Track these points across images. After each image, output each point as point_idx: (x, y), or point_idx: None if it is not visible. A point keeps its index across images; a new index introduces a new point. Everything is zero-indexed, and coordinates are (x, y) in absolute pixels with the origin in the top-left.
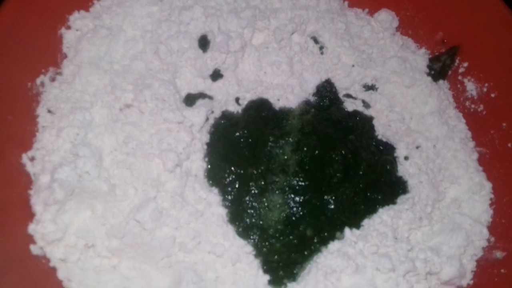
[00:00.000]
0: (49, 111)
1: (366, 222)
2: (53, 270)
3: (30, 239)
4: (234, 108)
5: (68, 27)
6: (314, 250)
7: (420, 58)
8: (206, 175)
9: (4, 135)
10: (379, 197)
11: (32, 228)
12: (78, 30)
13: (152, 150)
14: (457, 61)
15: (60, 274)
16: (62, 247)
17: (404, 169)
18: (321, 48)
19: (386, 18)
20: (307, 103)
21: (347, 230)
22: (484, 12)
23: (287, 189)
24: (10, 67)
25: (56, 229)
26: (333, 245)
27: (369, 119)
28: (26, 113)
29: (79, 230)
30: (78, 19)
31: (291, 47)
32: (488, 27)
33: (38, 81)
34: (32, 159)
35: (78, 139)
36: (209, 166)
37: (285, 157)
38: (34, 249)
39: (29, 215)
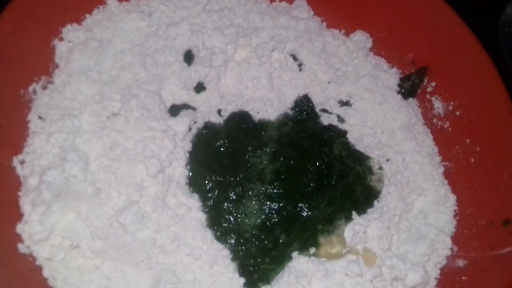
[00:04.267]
0: (40, 118)
1: (337, 229)
2: (39, 268)
3: (18, 238)
4: (216, 119)
5: (61, 39)
6: (287, 255)
7: (391, 77)
8: (187, 181)
9: None
10: (351, 205)
11: (20, 227)
12: (70, 42)
13: (137, 156)
14: (425, 80)
15: (46, 272)
16: (48, 247)
17: (375, 180)
18: (299, 65)
19: (361, 39)
20: (285, 116)
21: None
22: (450, 36)
23: (263, 196)
24: (5, 75)
25: (43, 229)
26: (305, 252)
27: (343, 133)
28: (18, 118)
29: (65, 230)
30: (70, 31)
31: (271, 63)
32: (454, 50)
33: (30, 88)
34: (22, 162)
35: (66, 144)
36: (190, 173)
37: (262, 166)
38: (21, 248)
39: (18, 215)
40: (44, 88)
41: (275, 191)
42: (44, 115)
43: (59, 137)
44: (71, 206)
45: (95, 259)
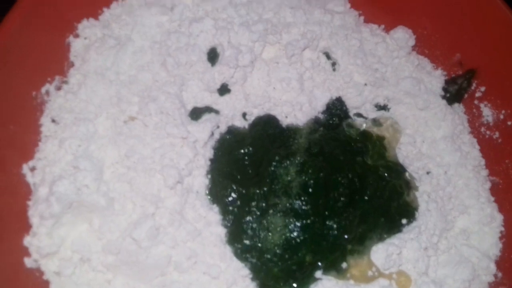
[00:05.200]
0: (53, 121)
1: (369, 250)
2: (46, 283)
3: (25, 251)
4: (241, 123)
5: (77, 35)
6: (312, 276)
7: (435, 79)
8: (207, 192)
9: (5, 144)
10: (385, 224)
11: (27, 240)
12: (86, 39)
13: (154, 165)
14: (474, 84)
15: None
16: (57, 260)
17: (413, 196)
18: (333, 65)
19: (403, 36)
20: (316, 121)
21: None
22: (504, 36)
23: (289, 212)
24: (15, 76)
25: (52, 243)
26: (332, 273)
27: (380, 140)
28: (29, 122)
29: (75, 243)
30: (86, 28)
31: (302, 63)
32: (508, 51)
33: (43, 90)
34: (33, 169)
35: (80, 151)
36: (211, 183)
37: (289, 178)
38: (28, 262)
39: (26, 226)
40: (58, 88)
41: (302, 206)
42: (57, 118)
43: (72, 143)
44: (82, 218)
45: (106, 273)
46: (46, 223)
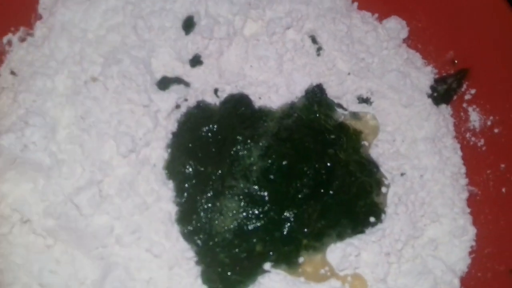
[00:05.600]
0: (12, 73)
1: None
2: None
3: None
4: (212, 100)
5: None
6: (260, 267)
7: (424, 76)
8: (165, 166)
9: None
10: (347, 222)
11: None
12: None
13: (109, 130)
14: (464, 85)
15: None
16: None
17: (382, 197)
18: (318, 49)
19: (395, 26)
20: (291, 106)
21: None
22: (502, 37)
23: (244, 196)
24: None
25: None
26: (283, 266)
27: (357, 134)
28: None
29: (16, 202)
30: None
31: (284, 43)
32: (504, 54)
33: (5, 39)
34: None
35: (34, 106)
36: (170, 157)
37: (250, 161)
38: None
39: None
40: (22, 40)
41: (259, 192)
42: (16, 70)
43: (27, 97)
44: (27, 176)
45: (46, 237)
46: None
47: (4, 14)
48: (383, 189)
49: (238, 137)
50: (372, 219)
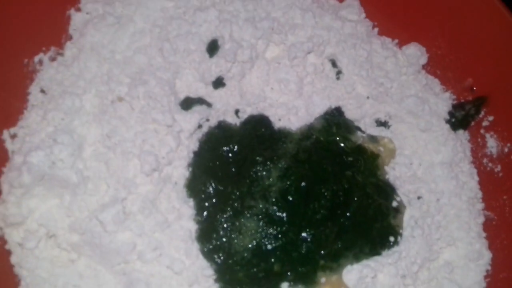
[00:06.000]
0: (42, 91)
1: (342, 269)
2: (8, 253)
3: None
4: (232, 120)
5: (78, 9)
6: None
7: (442, 102)
8: (186, 184)
9: None
10: (364, 244)
11: None
12: (88, 14)
13: (133, 149)
14: (482, 112)
15: (13, 259)
16: (22, 232)
17: (399, 219)
18: (337, 73)
19: (415, 53)
20: (310, 128)
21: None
22: None
23: (263, 216)
24: (9, 40)
25: (19, 213)
26: (300, 287)
27: (374, 157)
28: (17, 89)
29: (43, 217)
30: (89, 2)
31: (305, 67)
32: None
33: (36, 58)
34: (13, 136)
35: (62, 124)
36: (191, 176)
37: (269, 182)
38: None
39: None
40: (53, 59)
41: (277, 213)
42: (46, 88)
43: (56, 115)
44: (54, 192)
45: (71, 252)
46: (15, 192)
47: (36, 35)
48: (400, 212)
49: (257, 157)
50: (388, 241)
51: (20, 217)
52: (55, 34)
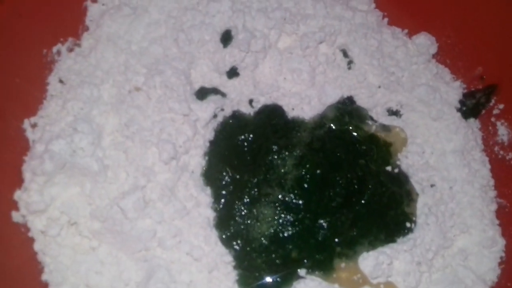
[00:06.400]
0: (61, 81)
1: (358, 256)
2: (31, 240)
3: (14, 205)
4: (246, 110)
5: (95, 0)
6: (296, 273)
7: (453, 91)
8: (202, 173)
9: (8, 96)
10: (379, 231)
11: (17, 195)
12: (104, 5)
13: (151, 137)
14: (493, 101)
15: (37, 246)
16: (44, 219)
17: (413, 207)
18: (349, 63)
19: (425, 42)
20: (323, 117)
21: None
22: None
23: (280, 204)
24: (29, 30)
25: (41, 200)
26: (317, 273)
27: (387, 146)
28: (36, 79)
29: (64, 205)
30: None
31: (317, 56)
32: None
33: (54, 49)
34: (34, 125)
35: (81, 113)
36: (207, 165)
37: (285, 170)
38: (15, 216)
39: (19, 181)
40: (70, 50)
41: (294, 200)
42: (65, 79)
43: (75, 104)
44: (75, 181)
45: (92, 239)
46: (37, 180)
47: (54, 26)
48: (414, 200)
49: (273, 146)
50: (403, 228)
51: (43, 204)
52: (72, 25)
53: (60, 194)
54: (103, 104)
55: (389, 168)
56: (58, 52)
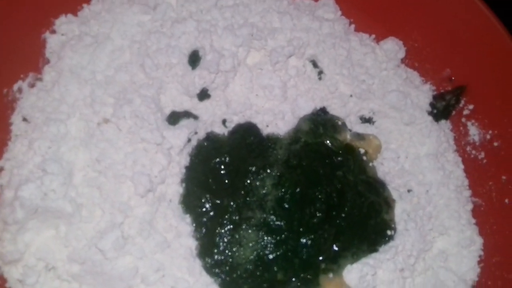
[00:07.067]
0: (25, 119)
1: (343, 269)
2: None
3: None
4: (220, 130)
5: (53, 31)
6: None
7: (423, 94)
8: (181, 201)
9: None
10: (361, 242)
11: None
12: (63, 35)
13: (125, 171)
14: (462, 102)
15: None
16: (21, 268)
17: (392, 214)
18: (319, 73)
19: (392, 47)
20: (297, 130)
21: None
22: (497, 54)
23: (262, 226)
24: None
25: (15, 249)
26: None
27: (362, 154)
28: None
29: (40, 250)
30: (64, 24)
31: (287, 70)
32: (500, 70)
33: (15, 87)
34: (0, 169)
35: (49, 152)
36: (185, 192)
37: (265, 191)
38: None
39: None
40: (32, 86)
41: (276, 221)
42: (29, 117)
43: (42, 144)
44: (48, 224)
45: (72, 282)
46: (10, 229)
47: (13, 62)
48: (392, 207)
49: (250, 167)
50: (384, 237)
51: (17, 253)
52: (32, 59)
53: (34, 239)
54: (72, 139)
55: (366, 177)
56: (19, 90)
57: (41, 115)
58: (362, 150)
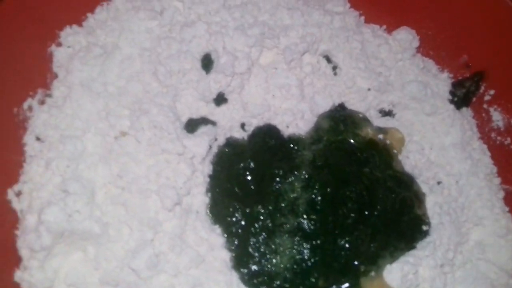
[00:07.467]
0: (38, 139)
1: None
2: None
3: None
4: (239, 135)
5: (59, 44)
6: None
7: (442, 83)
8: (208, 211)
9: None
10: (397, 240)
11: (18, 275)
12: (70, 47)
13: (149, 185)
14: (482, 87)
15: None
16: None
17: (424, 208)
18: (334, 68)
19: (406, 37)
20: (318, 129)
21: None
22: None
23: (297, 231)
24: None
25: (45, 277)
26: None
27: (387, 149)
28: (11, 141)
29: (70, 276)
30: (70, 35)
31: (302, 68)
32: None
33: (25, 105)
34: (18, 193)
35: (68, 172)
36: (211, 201)
37: (295, 195)
38: None
39: (16, 259)
40: (42, 103)
41: (310, 225)
42: (42, 136)
43: (60, 163)
44: (75, 247)
45: None
46: (37, 256)
47: (20, 79)
48: (424, 201)
49: (276, 171)
50: (420, 232)
51: (47, 281)
52: (39, 75)
53: (63, 265)
54: (89, 156)
55: (393, 172)
56: (30, 108)
57: (55, 133)
58: (386, 143)
